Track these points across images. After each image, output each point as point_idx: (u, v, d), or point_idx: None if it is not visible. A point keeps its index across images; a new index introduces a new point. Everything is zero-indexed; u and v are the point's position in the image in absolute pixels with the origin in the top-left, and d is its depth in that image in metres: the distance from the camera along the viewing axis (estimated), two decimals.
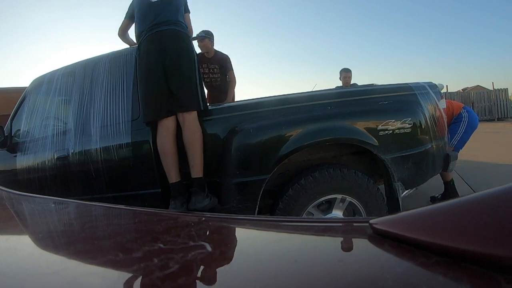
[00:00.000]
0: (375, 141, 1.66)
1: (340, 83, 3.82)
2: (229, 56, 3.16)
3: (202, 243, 0.40)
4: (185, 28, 1.83)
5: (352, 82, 3.77)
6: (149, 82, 1.70)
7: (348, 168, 1.71)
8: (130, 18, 1.96)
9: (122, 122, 1.77)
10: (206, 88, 3.04)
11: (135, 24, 1.88)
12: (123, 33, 2.05)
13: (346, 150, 1.88)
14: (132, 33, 2.01)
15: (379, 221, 0.31)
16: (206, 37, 3.00)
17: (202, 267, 0.32)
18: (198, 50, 2.96)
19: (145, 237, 0.43)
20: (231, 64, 3.14)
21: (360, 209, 1.71)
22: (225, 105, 2.11)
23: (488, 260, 0.22)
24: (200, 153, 1.63)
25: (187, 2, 1.97)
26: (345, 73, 3.78)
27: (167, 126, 1.66)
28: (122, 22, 2.02)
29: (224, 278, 0.29)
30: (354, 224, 0.40)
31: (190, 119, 1.65)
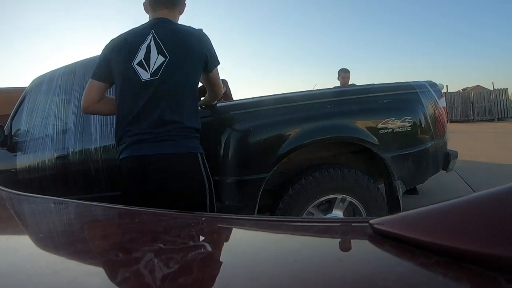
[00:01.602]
0: (375, 140, 1.66)
1: (338, 83, 3.82)
2: (227, 80, 3.31)
3: (202, 243, 0.40)
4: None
5: (350, 83, 3.77)
6: None
7: (348, 168, 1.71)
8: (103, 79, 1.23)
9: None
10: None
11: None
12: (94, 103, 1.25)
13: (346, 149, 1.88)
14: None
15: (379, 221, 0.31)
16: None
17: (202, 267, 0.32)
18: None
19: (145, 237, 0.43)
20: (229, 88, 3.24)
21: (360, 209, 1.71)
22: (225, 103, 2.11)
23: (488, 260, 0.22)
24: None
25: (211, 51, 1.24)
26: (344, 73, 3.77)
27: None
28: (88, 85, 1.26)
29: (224, 278, 0.29)
30: (354, 224, 0.40)
31: None
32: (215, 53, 1.26)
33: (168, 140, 1.11)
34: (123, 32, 1.24)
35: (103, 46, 1.26)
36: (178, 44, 1.17)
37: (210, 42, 1.25)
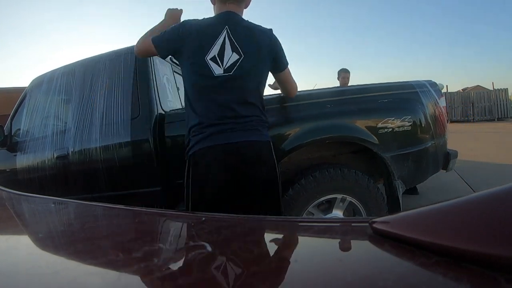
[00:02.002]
0: (375, 139, 1.66)
1: (338, 83, 3.81)
2: None
3: (202, 243, 0.40)
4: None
5: (349, 84, 3.76)
6: None
7: (348, 168, 1.71)
8: (160, 50, 1.25)
9: (121, 120, 1.77)
10: None
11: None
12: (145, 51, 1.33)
13: (346, 149, 1.88)
14: None
15: (379, 221, 0.31)
16: None
17: (202, 267, 0.32)
18: None
19: (145, 237, 0.43)
20: None
21: (360, 209, 1.71)
22: None
23: (488, 260, 0.22)
24: None
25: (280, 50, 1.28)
26: (344, 73, 3.76)
27: None
28: (145, 40, 1.29)
29: (224, 278, 0.29)
30: (354, 224, 0.40)
31: None
32: (284, 53, 1.30)
33: (250, 129, 1.17)
34: (195, 18, 1.24)
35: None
36: (251, 43, 1.20)
37: (280, 42, 1.28)
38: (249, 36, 1.20)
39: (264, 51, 1.22)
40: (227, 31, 1.18)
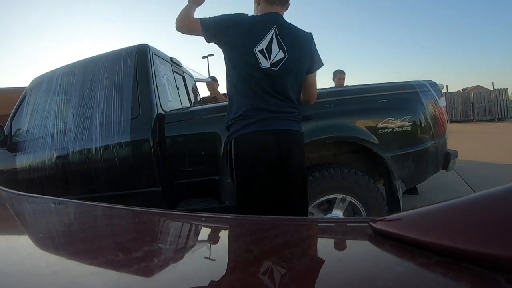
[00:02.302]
0: (375, 139, 1.66)
1: (333, 84, 3.80)
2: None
3: (202, 243, 0.40)
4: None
5: (345, 84, 3.76)
6: None
7: (348, 168, 1.71)
8: (206, 29, 1.30)
9: (121, 120, 1.77)
10: None
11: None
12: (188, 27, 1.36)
13: (346, 149, 1.88)
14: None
15: (379, 221, 0.31)
16: (214, 81, 3.49)
17: (202, 267, 0.32)
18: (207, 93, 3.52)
19: (145, 237, 0.43)
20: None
21: (360, 209, 1.71)
22: (225, 103, 2.11)
23: (488, 260, 0.22)
24: None
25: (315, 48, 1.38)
26: (340, 74, 3.77)
27: None
28: (192, 21, 1.35)
29: (224, 278, 0.29)
30: (354, 224, 0.40)
31: None
32: (319, 56, 1.40)
33: (291, 120, 1.28)
34: (246, 13, 1.32)
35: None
36: (296, 45, 1.29)
37: (316, 46, 1.39)
38: (294, 39, 1.30)
39: (305, 53, 1.32)
40: (275, 29, 1.27)
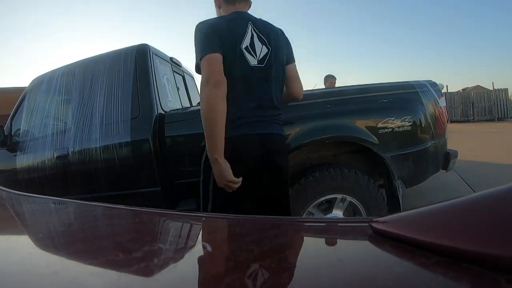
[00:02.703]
0: (375, 139, 1.66)
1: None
2: None
3: (202, 243, 0.40)
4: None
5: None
6: None
7: (348, 168, 1.71)
8: (221, 49, 1.13)
9: (121, 120, 1.77)
10: None
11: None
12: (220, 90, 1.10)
13: (346, 149, 1.88)
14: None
15: (379, 221, 0.31)
16: None
17: (202, 267, 0.32)
18: None
19: (145, 237, 0.43)
20: None
21: (360, 209, 1.71)
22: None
23: (488, 260, 0.22)
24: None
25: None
26: (331, 79, 3.83)
27: None
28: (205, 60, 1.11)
29: (224, 278, 0.29)
30: (354, 224, 0.40)
31: None
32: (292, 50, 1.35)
33: (276, 123, 1.23)
34: (213, 18, 1.23)
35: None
36: (273, 38, 1.23)
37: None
38: (270, 32, 1.24)
39: (284, 47, 1.27)
40: (252, 26, 1.20)
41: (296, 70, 1.36)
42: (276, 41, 1.24)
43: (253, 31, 1.19)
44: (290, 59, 1.32)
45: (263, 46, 1.20)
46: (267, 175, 1.20)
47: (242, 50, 1.15)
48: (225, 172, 1.09)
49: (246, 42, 1.17)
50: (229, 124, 1.12)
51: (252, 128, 1.17)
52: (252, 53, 1.18)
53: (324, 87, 3.83)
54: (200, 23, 1.17)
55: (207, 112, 1.08)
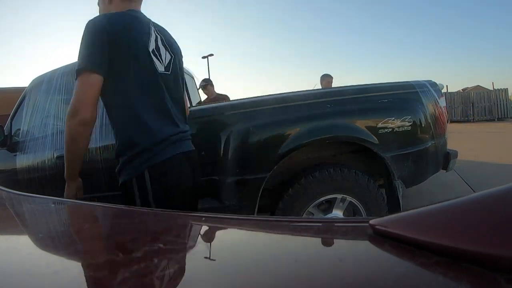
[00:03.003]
0: (375, 139, 1.67)
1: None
2: (228, 95, 3.78)
3: (202, 243, 0.40)
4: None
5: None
6: None
7: (348, 168, 1.71)
8: (105, 71, 0.93)
9: None
10: None
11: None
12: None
13: (346, 149, 1.88)
14: None
15: (379, 221, 0.31)
16: (208, 83, 3.63)
17: (202, 267, 0.32)
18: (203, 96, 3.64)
19: (145, 237, 0.43)
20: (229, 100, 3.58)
21: (360, 209, 1.71)
22: (225, 103, 2.11)
23: (488, 260, 0.22)
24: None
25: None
26: (328, 78, 3.86)
27: None
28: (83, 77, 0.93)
29: (224, 278, 0.29)
30: (354, 224, 0.40)
31: None
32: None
33: (188, 139, 1.10)
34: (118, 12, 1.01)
35: (96, 24, 0.96)
36: (174, 45, 1.13)
37: None
38: (169, 37, 1.11)
39: (180, 54, 1.15)
40: (154, 28, 1.05)
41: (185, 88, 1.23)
42: (176, 49, 1.12)
43: (156, 33, 1.04)
44: (182, 74, 1.17)
45: (167, 52, 1.05)
46: (194, 192, 1.11)
47: (150, 54, 0.99)
48: (74, 192, 1.20)
49: (152, 45, 1.01)
50: (153, 148, 0.98)
51: (177, 147, 1.02)
52: (159, 57, 1.02)
53: (320, 86, 3.86)
54: (95, 18, 0.97)
55: (70, 145, 1.08)
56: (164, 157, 0.98)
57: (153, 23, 1.07)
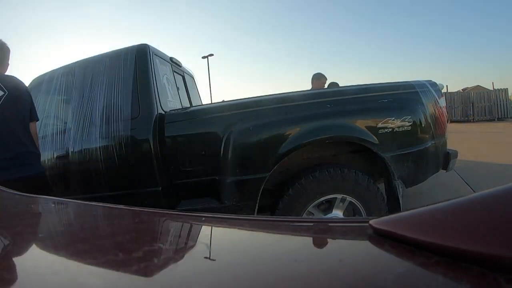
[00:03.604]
0: (375, 139, 1.67)
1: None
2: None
3: (202, 243, 0.40)
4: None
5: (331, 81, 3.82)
6: None
7: (348, 168, 1.71)
8: None
9: (121, 120, 1.77)
10: None
11: None
12: None
13: (346, 149, 1.88)
14: None
15: (379, 221, 0.31)
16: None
17: (202, 267, 0.32)
18: None
19: (145, 237, 0.43)
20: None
21: (360, 209, 1.71)
22: (225, 103, 2.11)
23: (488, 260, 0.22)
24: None
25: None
26: (323, 79, 3.78)
27: None
28: None
29: (224, 278, 0.29)
30: (354, 224, 0.40)
31: None
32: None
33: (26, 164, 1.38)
34: None
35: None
36: (13, 85, 1.39)
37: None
38: (10, 80, 1.39)
39: (24, 95, 1.45)
40: None
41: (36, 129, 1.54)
42: (15, 88, 1.40)
43: None
44: (35, 116, 1.51)
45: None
46: None
47: None
48: None
49: None
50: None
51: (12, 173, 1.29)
52: None
53: (311, 85, 3.73)
54: None
55: None
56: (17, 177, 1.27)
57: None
